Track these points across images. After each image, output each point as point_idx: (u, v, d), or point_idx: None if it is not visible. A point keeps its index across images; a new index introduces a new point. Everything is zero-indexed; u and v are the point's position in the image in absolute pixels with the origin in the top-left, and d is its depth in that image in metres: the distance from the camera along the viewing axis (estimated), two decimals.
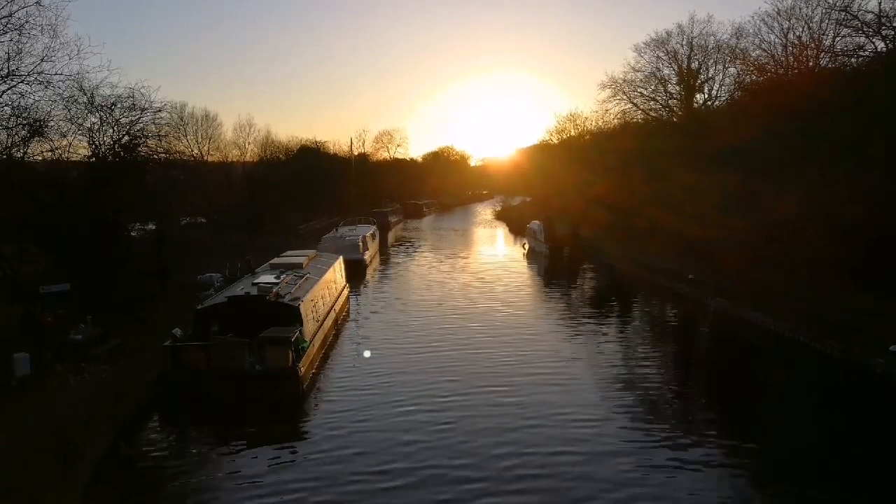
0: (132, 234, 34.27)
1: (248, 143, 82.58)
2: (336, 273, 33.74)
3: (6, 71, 24.11)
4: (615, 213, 53.55)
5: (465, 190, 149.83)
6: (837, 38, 38.09)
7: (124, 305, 26.56)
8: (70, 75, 26.07)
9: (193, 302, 25.42)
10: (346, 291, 35.48)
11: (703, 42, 51.70)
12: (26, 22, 23.73)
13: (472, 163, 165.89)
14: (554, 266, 49.39)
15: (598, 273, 46.66)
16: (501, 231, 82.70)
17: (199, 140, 74.12)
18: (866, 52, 34.91)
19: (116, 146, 30.09)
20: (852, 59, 36.01)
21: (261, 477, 15.04)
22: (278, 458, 16.14)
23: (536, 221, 57.85)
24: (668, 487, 14.20)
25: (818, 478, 14.89)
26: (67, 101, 27.20)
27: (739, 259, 34.24)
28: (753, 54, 45.58)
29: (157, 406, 19.31)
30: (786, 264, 31.72)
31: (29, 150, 26.57)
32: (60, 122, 27.57)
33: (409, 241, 71.39)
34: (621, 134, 58.20)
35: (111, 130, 29.90)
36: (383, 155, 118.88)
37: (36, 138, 26.33)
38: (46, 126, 26.40)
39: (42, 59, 24.62)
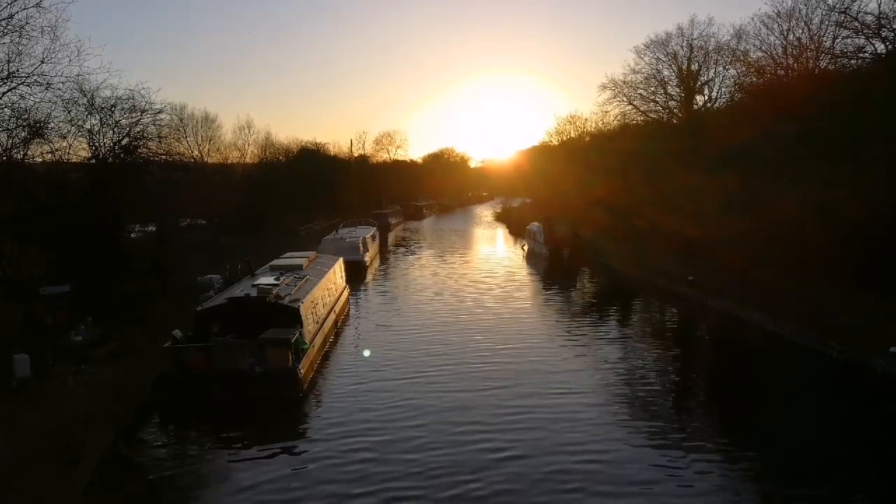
0: (132, 235, 34.31)
1: (248, 145, 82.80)
2: (336, 274, 33.74)
3: (6, 72, 24.13)
4: (615, 214, 53.50)
5: (465, 191, 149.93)
6: (837, 40, 38.14)
7: (124, 306, 26.59)
8: (70, 77, 26.11)
9: (193, 303, 25.44)
10: (346, 293, 35.48)
11: (703, 44, 51.75)
12: (26, 23, 23.76)
13: (472, 164, 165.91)
14: (553, 267, 49.35)
15: (598, 274, 46.64)
16: (501, 232, 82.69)
17: (200, 141, 74.28)
18: (866, 54, 34.94)
19: (116, 148, 30.13)
20: (852, 61, 36.03)
21: (261, 478, 15.02)
22: (278, 458, 16.14)
23: (536, 223, 57.80)
24: (666, 487, 14.19)
25: (818, 478, 14.86)
26: (67, 103, 27.28)
27: (739, 260, 34.19)
28: (753, 56, 45.61)
29: (157, 407, 19.31)
30: (786, 265, 31.69)
31: (29, 152, 26.61)
32: (60, 124, 27.68)
33: (410, 243, 71.43)
34: (621, 135, 58.17)
35: (111, 132, 29.99)
36: (383, 156, 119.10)
37: (36, 140, 26.37)
38: (46, 128, 26.48)
39: (42, 61, 24.66)
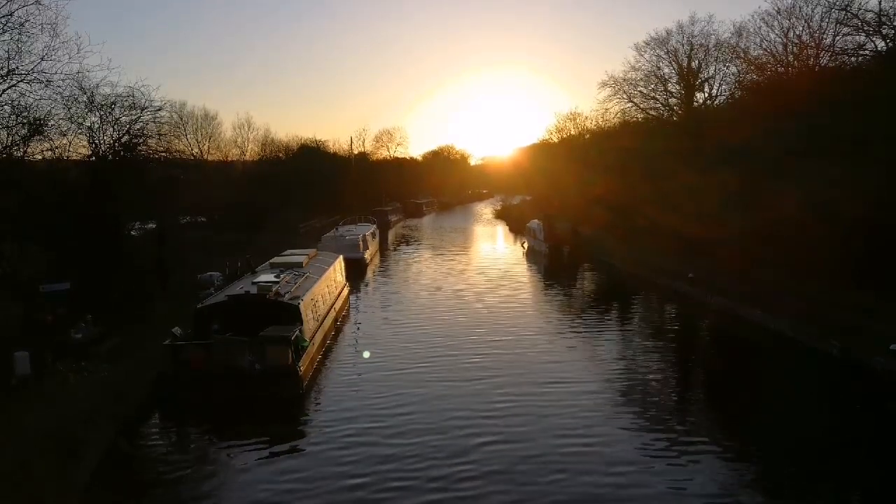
0: (132, 233, 34.25)
1: (248, 142, 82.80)
2: (336, 272, 33.76)
3: (6, 69, 24.03)
4: (615, 212, 53.47)
5: (464, 189, 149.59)
6: (838, 37, 38.05)
7: (124, 304, 26.57)
8: (70, 74, 25.98)
9: (193, 301, 25.46)
10: (346, 290, 35.50)
11: (703, 41, 51.55)
12: (26, 20, 23.64)
13: (472, 162, 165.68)
14: (553, 265, 49.38)
15: (598, 272, 46.66)
16: (501, 230, 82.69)
17: (199, 139, 74.32)
18: (866, 51, 34.89)
19: (116, 145, 30.08)
20: (852, 58, 35.98)
21: (261, 475, 15.07)
22: (278, 456, 16.18)
23: (536, 220, 57.79)
24: (666, 485, 14.20)
25: (818, 476, 14.90)
26: (67, 100, 27.12)
27: (739, 258, 34.20)
28: (754, 53, 45.48)
29: (157, 404, 19.35)
30: (786, 263, 31.68)
31: (29, 149, 26.48)
32: (60, 121, 27.49)
33: (409, 240, 71.42)
34: (621, 133, 58.06)
35: (111, 129, 29.90)
36: (383, 154, 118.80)
37: (36, 137, 26.24)
38: (46, 125, 26.32)
39: (42, 58, 24.52)
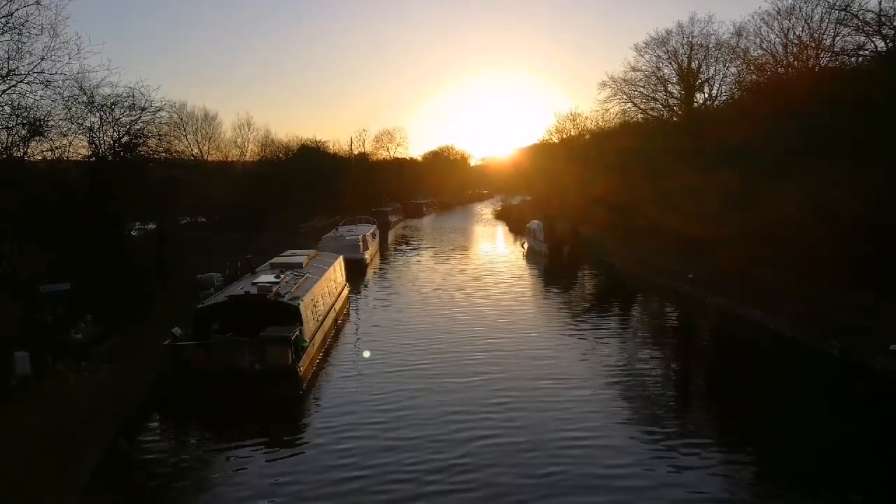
0: (132, 233, 34.27)
1: (248, 143, 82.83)
2: (336, 272, 33.77)
3: (6, 70, 24.04)
4: (615, 212, 53.48)
5: (464, 189, 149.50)
6: (837, 38, 38.09)
7: (124, 304, 26.59)
8: (70, 75, 26.03)
9: (193, 301, 25.47)
10: (346, 291, 35.51)
11: (703, 41, 51.59)
12: (26, 21, 23.67)
13: (472, 162, 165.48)
14: (553, 265, 49.39)
15: (598, 272, 46.68)
16: (501, 230, 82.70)
17: (199, 139, 74.35)
18: (866, 52, 34.92)
19: (116, 146, 30.11)
20: (852, 59, 36.01)
21: (260, 475, 15.07)
22: (278, 456, 16.18)
23: (536, 220, 57.80)
24: (666, 485, 14.20)
25: (817, 476, 14.88)
26: (67, 101, 27.12)
27: (739, 258, 34.22)
28: (754, 54, 45.50)
29: (157, 405, 19.35)
30: (786, 263, 31.70)
31: (29, 150, 26.52)
32: (60, 122, 27.48)
33: (410, 241, 71.42)
34: (621, 133, 58.07)
35: (111, 130, 29.95)
36: (383, 154, 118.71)
37: (36, 138, 26.26)
38: (46, 125, 26.34)
39: (42, 59, 24.55)
